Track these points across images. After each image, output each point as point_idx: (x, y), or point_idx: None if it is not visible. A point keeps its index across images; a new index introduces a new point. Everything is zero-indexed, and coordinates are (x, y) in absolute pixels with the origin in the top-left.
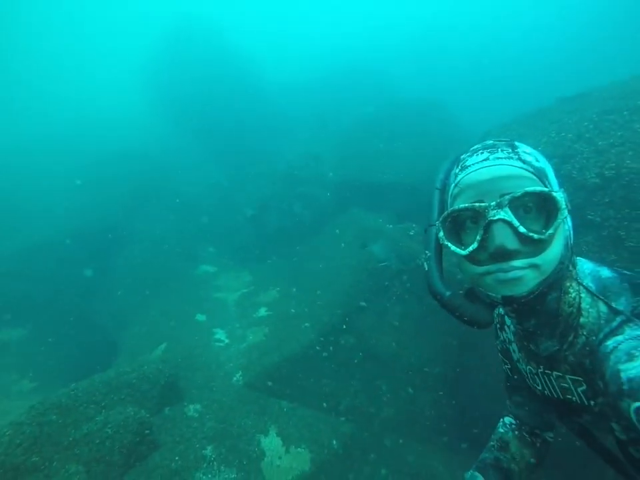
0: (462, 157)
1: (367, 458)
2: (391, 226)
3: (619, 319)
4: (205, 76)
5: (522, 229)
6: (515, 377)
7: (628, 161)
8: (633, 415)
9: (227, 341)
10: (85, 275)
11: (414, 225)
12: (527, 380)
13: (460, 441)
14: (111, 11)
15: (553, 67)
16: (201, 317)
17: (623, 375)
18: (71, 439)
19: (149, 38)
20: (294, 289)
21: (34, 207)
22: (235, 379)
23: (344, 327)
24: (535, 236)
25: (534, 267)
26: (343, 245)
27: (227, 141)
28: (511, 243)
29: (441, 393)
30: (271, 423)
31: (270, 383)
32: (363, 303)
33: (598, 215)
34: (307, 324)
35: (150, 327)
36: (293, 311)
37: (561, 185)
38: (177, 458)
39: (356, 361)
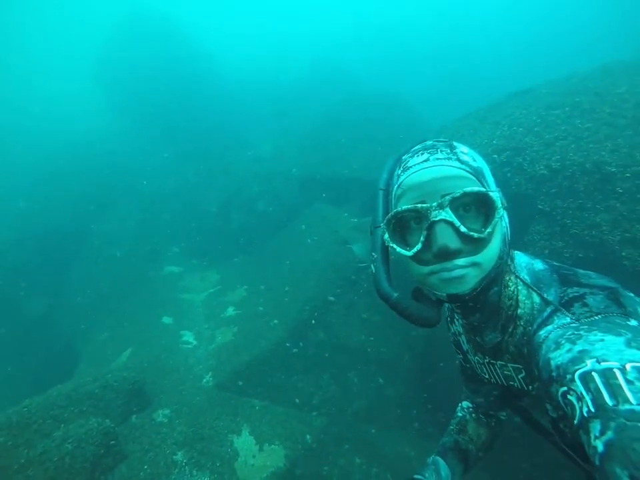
0: (403, 157)
1: (341, 449)
2: (355, 220)
3: (549, 309)
4: (162, 72)
5: (463, 229)
6: (467, 365)
7: (571, 154)
8: (560, 398)
9: (195, 342)
10: (39, 281)
11: None
12: (476, 369)
13: (429, 426)
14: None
15: (507, 61)
16: (167, 320)
17: (552, 362)
18: (22, 460)
19: (102, 31)
20: (262, 287)
21: None
22: (204, 380)
23: (313, 322)
24: (475, 235)
25: (475, 264)
26: (309, 240)
27: (189, 139)
28: (453, 243)
29: (410, 381)
30: (243, 422)
31: (241, 383)
32: (331, 298)
33: (547, 204)
34: (275, 321)
35: (113, 333)
36: (261, 309)
37: (497, 184)
38: (145, 467)
39: (326, 355)
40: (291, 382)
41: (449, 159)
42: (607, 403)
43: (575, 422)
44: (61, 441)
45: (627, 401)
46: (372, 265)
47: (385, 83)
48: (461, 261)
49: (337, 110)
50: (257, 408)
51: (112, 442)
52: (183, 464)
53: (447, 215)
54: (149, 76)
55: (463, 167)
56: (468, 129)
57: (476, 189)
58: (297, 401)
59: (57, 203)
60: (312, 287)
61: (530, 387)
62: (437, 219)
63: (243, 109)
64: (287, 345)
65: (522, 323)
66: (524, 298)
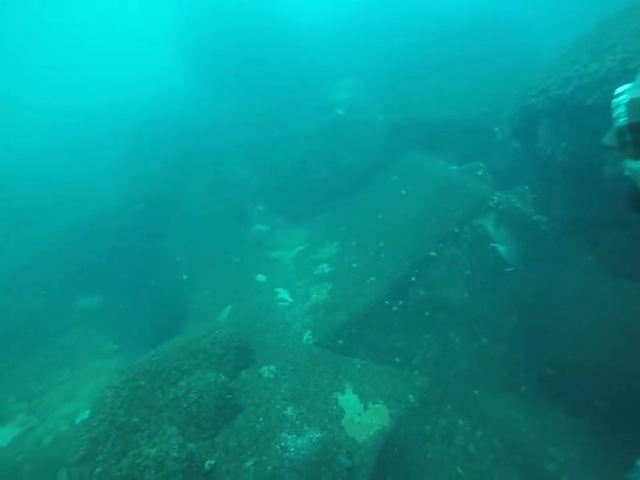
0: None
1: (444, 410)
2: (455, 167)
3: None
4: (238, 26)
5: None
6: None
7: None
8: None
9: (290, 300)
10: (143, 243)
11: (481, 164)
12: None
13: (539, 390)
14: None
15: None
16: (261, 278)
17: None
18: (160, 402)
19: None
20: (353, 243)
21: (87, 180)
22: (304, 338)
23: (412, 279)
24: None
25: None
26: (402, 192)
27: (268, 95)
28: None
29: (516, 343)
30: (346, 380)
31: (340, 341)
32: (432, 253)
33: None
34: (372, 278)
35: (212, 291)
36: (355, 265)
37: None
38: (260, 419)
39: (427, 314)
40: (390, 341)
41: None
42: None
43: None
44: (186, 390)
45: None
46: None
47: (479, 6)
48: None
49: (424, 42)
50: (358, 367)
51: (229, 396)
52: (294, 419)
53: None
54: (226, 34)
55: None
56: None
57: None
58: (398, 360)
59: (152, 169)
60: (410, 242)
61: None
62: None
63: (321, 57)
64: (386, 302)
65: None
66: None
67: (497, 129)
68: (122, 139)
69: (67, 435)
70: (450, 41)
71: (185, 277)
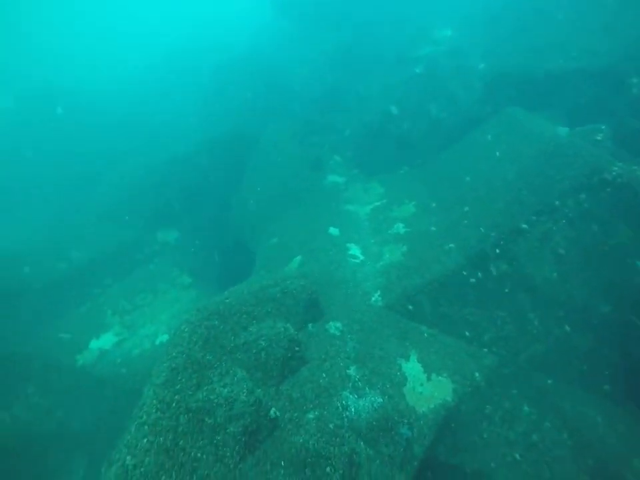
0: None
1: (509, 393)
2: (566, 128)
3: None
4: None
5: None
6: None
7: None
8: None
9: (362, 257)
10: (218, 183)
11: (603, 127)
12: None
13: (626, 392)
14: None
15: None
16: (334, 231)
17: None
18: (232, 344)
19: None
20: (433, 204)
21: (167, 121)
22: (373, 298)
23: (497, 251)
24: None
25: None
26: (497, 153)
27: (356, 31)
28: None
29: (605, 336)
30: (411, 348)
31: (410, 307)
32: (524, 225)
33: None
34: (451, 245)
35: (283, 238)
36: (433, 229)
37: None
38: (324, 375)
39: (506, 290)
40: (463, 313)
41: None
42: None
43: None
44: (256, 336)
45: None
46: None
47: None
48: None
49: None
50: (426, 335)
51: (296, 348)
52: (356, 379)
53: None
54: None
55: None
56: None
57: None
58: (467, 334)
59: (229, 111)
60: (500, 211)
61: None
62: None
63: None
64: (464, 273)
65: None
66: None
67: (635, 80)
68: (207, 76)
69: (149, 351)
70: None
71: (256, 221)
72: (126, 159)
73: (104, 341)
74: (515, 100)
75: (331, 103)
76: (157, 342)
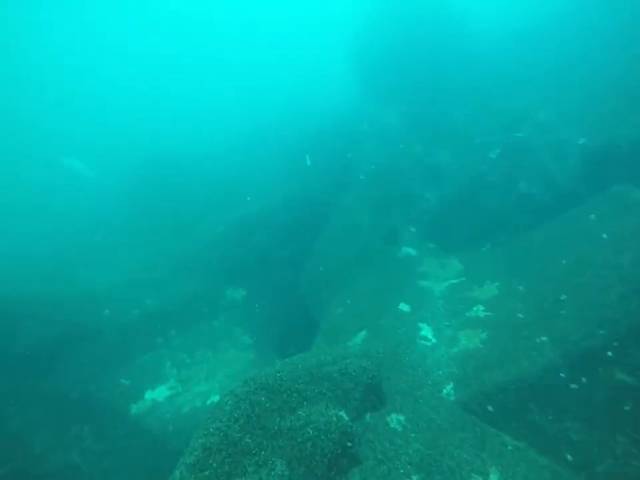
0: None
1: None
2: None
3: None
4: (415, 41)
5: None
6: None
7: None
8: None
9: (434, 340)
10: (292, 246)
11: None
12: None
13: None
14: None
15: None
16: (404, 307)
17: None
18: (276, 427)
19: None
20: (520, 287)
21: (253, 181)
22: (445, 391)
23: (609, 354)
24: None
25: None
26: (604, 236)
27: (444, 107)
28: None
29: None
30: (491, 463)
31: (491, 408)
32: None
33: None
34: (543, 338)
35: (350, 309)
36: (520, 315)
37: None
38: None
39: (627, 408)
40: (562, 428)
41: None
42: None
43: None
44: (304, 422)
45: None
46: None
47: None
48: None
49: None
50: (510, 448)
51: (349, 444)
52: None
53: None
54: (405, 48)
55: None
56: None
57: None
58: (570, 458)
59: (315, 174)
60: (612, 304)
61: None
62: None
63: (503, 67)
64: (562, 375)
65: None
66: None
67: None
68: (290, 146)
69: (198, 411)
70: None
71: (324, 288)
72: (209, 216)
73: (158, 393)
74: (623, 177)
75: (410, 175)
76: (208, 402)
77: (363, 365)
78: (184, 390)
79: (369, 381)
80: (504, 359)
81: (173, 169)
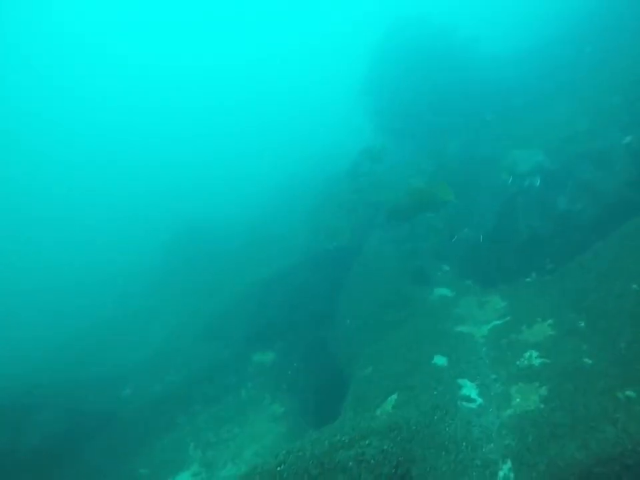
0: None
1: None
2: None
3: None
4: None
5: None
6: None
7: None
8: None
9: (479, 400)
10: (318, 298)
11: None
12: None
13: None
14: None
15: None
16: (440, 360)
17: None
18: None
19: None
20: (581, 323)
21: (281, 232)
22: (502, 474)
23: None
24: None
25: None
26: None
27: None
28: None
29: None
30: None
31: None
32: None
33: None
34: (629, 392)
35: (380, 367)
36: (588, 361)
37: None
38: None
39: None
40: None
41: None
42: None
43: None
44: None
45: None
46: None
47: None
48: None
49: None
50: None
51: None
52: None
53: None
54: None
55: None
56: None
57: None
58: None
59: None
60: None
61: None
62: None
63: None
64: None
65: None
66: None
67: None
68: (312, 195)
69: None
70: None
71: (352, 344)
72: (236, 277)
73: None
74: None
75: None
76: None
77: (385, 447)
78: (209, 475)
79: (394, 469)
80: (576, 425)
81: (206, 235)
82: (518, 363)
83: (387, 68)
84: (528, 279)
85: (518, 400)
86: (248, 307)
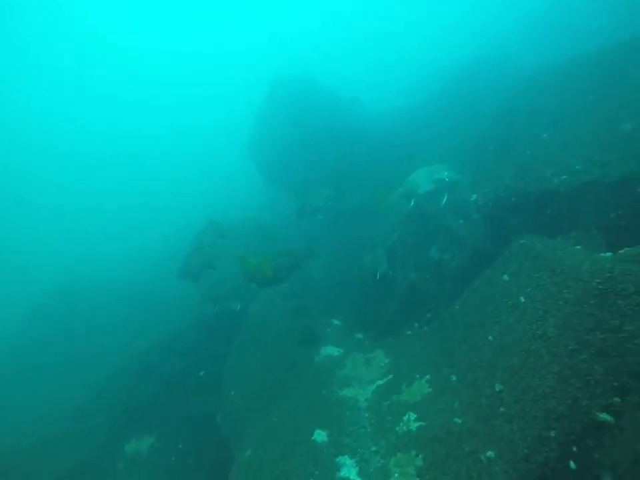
0: None
1: None
2: (608, 254)
3: None
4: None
5: None
6: None
7: None
8: None
9: None
10: (202, 370)
11: None
12: None
13: None
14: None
15: None
16: (320, 436)
17: None
18: None
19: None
20: (453, 377)
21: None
22: None
23: (572, 466)
24: None
25: None
26: (522, 299)
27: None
28: None
29: None
30: None
31: None
32: (605, 416)
33: None
34: (489, 453)
35: (259, 451)
36: (458, 420)
37: None
38: None
39: None
40: None
41: None
42: None
43: None
44: None
45: None
46: None
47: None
48: None
49: (525, 102)
50: None
51: None
52: None
53: None
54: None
55: None
56: None
57: None
58: None
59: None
60: (552, 390)
61: None
62: None
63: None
64: None
65: None
66: None
67: None
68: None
69: None
70: (570, 85)
71: (238, 418)
72: (109, 349)
73: None
74: (527, 227)
75: (331, 260)
76: None
77: None
78: None
79: None
80: None
81: (79, 299)
82: (397, 428)
83: (271, 123)
84: (409, 332)
85: (396, 475)
86: (121, 383)
